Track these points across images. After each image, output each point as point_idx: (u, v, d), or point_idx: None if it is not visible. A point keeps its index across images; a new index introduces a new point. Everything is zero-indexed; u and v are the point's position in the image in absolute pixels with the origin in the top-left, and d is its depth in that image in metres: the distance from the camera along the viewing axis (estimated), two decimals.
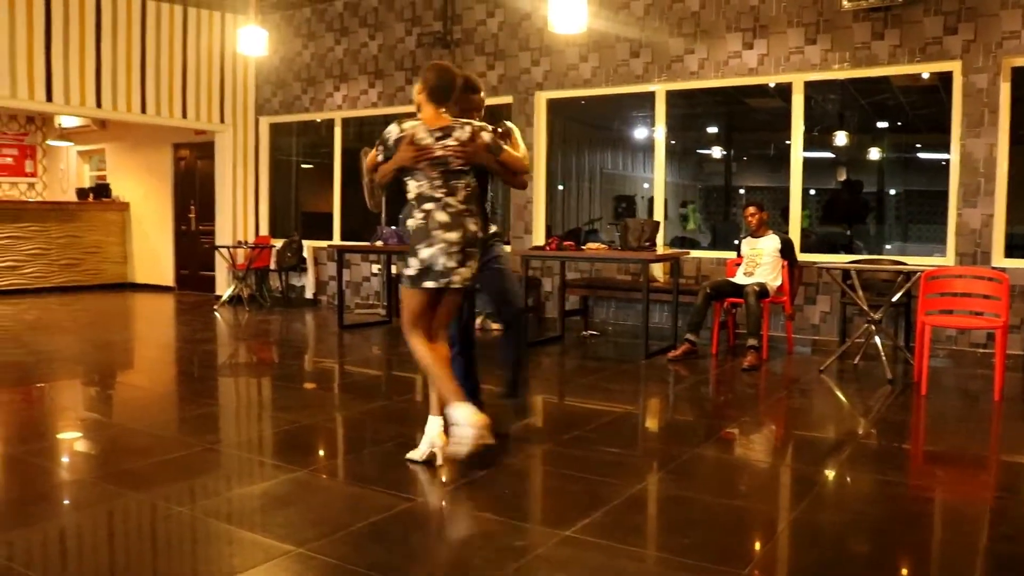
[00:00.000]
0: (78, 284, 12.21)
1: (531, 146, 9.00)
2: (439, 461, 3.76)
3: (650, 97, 8.38)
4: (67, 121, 13.19)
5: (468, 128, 3.84)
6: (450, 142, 3.80)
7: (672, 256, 7.38)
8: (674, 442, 4.54)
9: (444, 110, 3.89)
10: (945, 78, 7.09)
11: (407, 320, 3.86)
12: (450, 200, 3.79)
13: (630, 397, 5.67)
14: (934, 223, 8.99)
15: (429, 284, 3.76)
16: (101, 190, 12.98)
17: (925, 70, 7.27)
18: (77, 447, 4.26)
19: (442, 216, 3.76)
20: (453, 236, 3.74)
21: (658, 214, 8.51)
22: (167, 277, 12.68)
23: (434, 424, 3.78)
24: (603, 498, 3.41)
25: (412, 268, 3.77)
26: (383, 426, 4.65)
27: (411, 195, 3.85)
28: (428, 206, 3.78)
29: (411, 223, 3.82)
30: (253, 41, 8.48)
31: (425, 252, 3.73)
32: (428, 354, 3.79)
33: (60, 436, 4.49)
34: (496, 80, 9.22)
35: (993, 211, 6.76)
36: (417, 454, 3.81)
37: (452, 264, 3.73)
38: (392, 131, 3.87)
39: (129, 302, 11.33)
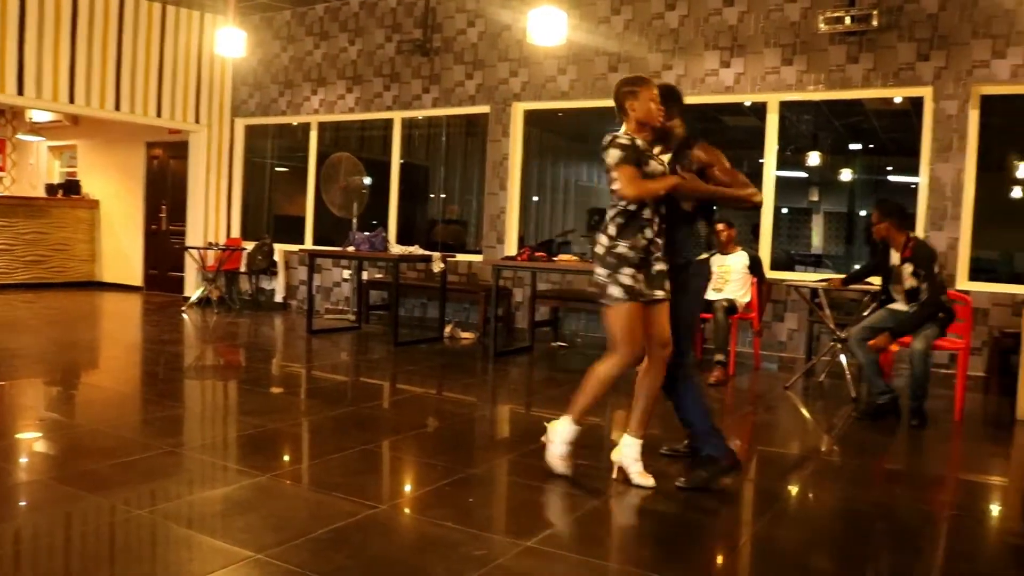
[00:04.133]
0: (43, 281, 12.06)
1: (506, 156, 9.02)
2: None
3: None
4: (38, 115, 13.04)
5: None
6: None
7: None
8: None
9: None
10: (917, 103, 7.20)
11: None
12: None
13: (597, 409, 5.65)
14: None
15: None
16: (71, 186, 12.85)
17: (897, 95, 7.38)
18: (36, 447, 4.20)
19: None
20: None
21: None
22: (135, 277, 12.55)
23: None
24: (566, 509, 3.42)
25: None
26: (348, 432, 4.62)
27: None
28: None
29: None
30: (231, 42, 8.45)
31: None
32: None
33: (19, 436, 4.42)
34: (474, 90, 9.24)
35: (959, 235, 6.86)
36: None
37: None
38: None
39: (95, 301, 11.20)
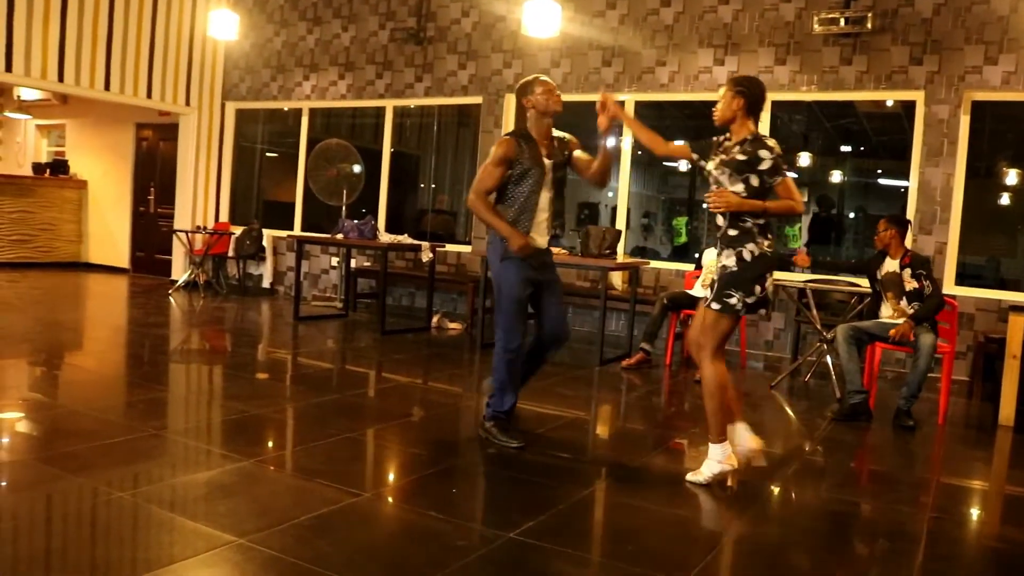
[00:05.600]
0: (29, 261, 11.96)
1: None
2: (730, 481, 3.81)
3: (619, 106, 8.40)
4: (27, 93, 12.92)
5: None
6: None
7: (631, 265, 7.42)
8: (623, 450, 4.56)
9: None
10: (908, 107, 7.22)
11: (717, 346, 3.84)
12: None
13: (582, 403, 5.69)
14: None
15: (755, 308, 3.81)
16: (59, 166, 12.74)
17: (890, 97, 7.40)
18: (18, 427, 4.17)
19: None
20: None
21: (620, 223, 8.56)
22: (122, 259, 12.48)
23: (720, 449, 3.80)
24: (549, 502, 3.42)
25: (752, 297, 3.73)
26: (333, 419, 4.61)
27: (758, 221, 3.74)
28: (769, 236, 3.77)
29: (752, 251, 3.71)
30: (224, 24, 8.41)
31: (766, 283, 3.75)
32: (727, 381, 3.86)
33: (1, 416, 4.39)
34: (467, 80, 9.21)
35: (947, 240, 6.90)
36: (702, 477, 3.81)
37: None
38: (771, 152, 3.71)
39: (81, 282, 11.14)
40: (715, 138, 3.96)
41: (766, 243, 3.72)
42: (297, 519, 3.02)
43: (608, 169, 4.32)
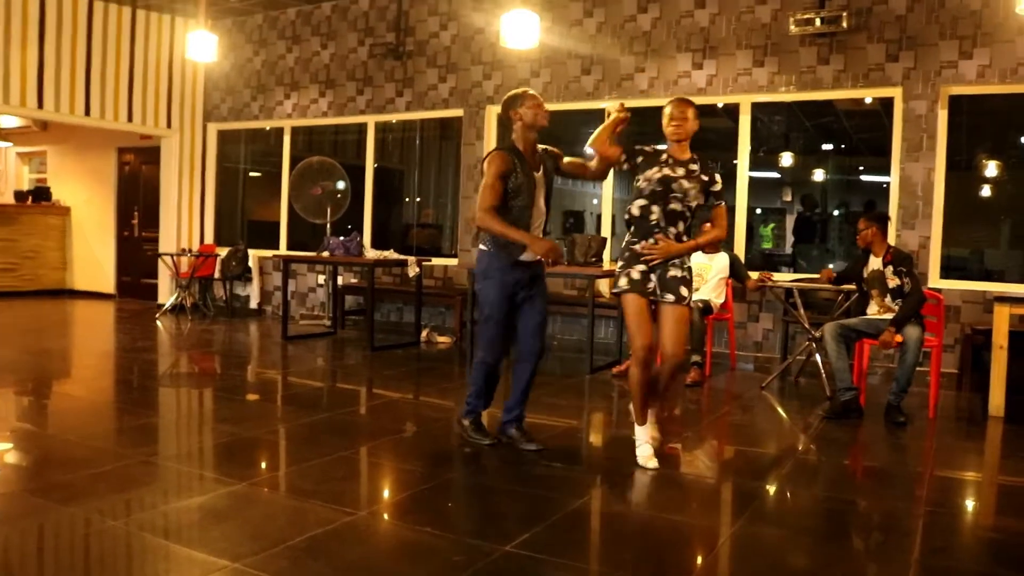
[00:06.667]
0: (14, 290, 11.89)
1: (479, 160, 9.01)
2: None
3: (600, 114, 8.40)
4: (6, 121, 12.87)
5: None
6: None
7: None
8: (617, 457, 4.55)
9: None
10: (887, 104, 7.27)
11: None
12: None
13: (574, 412, 5.68)
14: None
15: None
16: (41, 193, 12.69)
17: (867, 95, 7.45)
18: (7, 458, 4.14)
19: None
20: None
21: (605, 230, 8.57)
22: (108, 284, 12.42)
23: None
24: (545, 513, 3.42)
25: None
26: (325, 438, 4.60)
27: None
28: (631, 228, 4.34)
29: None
30: (202, 46, 8.37)
31: (628, 271, 4.26)
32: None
33: None
34: (447, 93, 9.23)
35: (930, 233, 6.94)
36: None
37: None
38: None
39: (67, 309, 11.08)
40: (646, 147, 4.37)
41: (628, 237, 4.28)
42: (292, 541, 3.00)
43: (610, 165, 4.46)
